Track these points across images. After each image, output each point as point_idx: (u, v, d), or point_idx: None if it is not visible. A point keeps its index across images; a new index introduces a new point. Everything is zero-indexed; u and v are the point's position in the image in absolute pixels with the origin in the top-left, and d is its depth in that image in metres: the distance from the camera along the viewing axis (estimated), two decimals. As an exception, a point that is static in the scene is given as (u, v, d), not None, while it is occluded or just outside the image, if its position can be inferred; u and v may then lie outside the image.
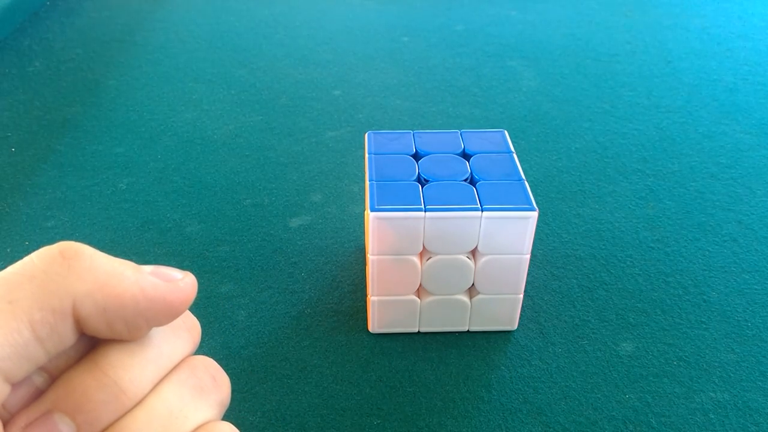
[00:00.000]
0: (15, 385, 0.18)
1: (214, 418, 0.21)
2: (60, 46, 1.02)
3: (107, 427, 0.19)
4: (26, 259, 0.19)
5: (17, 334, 0.18)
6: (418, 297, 0.49)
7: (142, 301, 0.19)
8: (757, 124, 0.80)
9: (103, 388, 0.19)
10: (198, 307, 0.53)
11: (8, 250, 0.60)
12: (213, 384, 0.22)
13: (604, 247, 0.60)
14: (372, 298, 0.49)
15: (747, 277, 0.57)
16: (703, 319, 0.52)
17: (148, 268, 0.20)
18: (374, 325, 0.50)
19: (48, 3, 1.18)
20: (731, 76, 0.93)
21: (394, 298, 0.48)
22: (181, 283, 0.21)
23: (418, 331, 0.51)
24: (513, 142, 0.52)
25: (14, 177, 0.70)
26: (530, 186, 0.47)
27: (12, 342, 0.17)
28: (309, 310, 0.53)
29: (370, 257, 0.46)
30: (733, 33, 1.07)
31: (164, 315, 0.20)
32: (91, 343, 0.21)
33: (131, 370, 0.20)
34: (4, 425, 0.19)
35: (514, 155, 0.50)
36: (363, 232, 0.62)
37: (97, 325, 0.19)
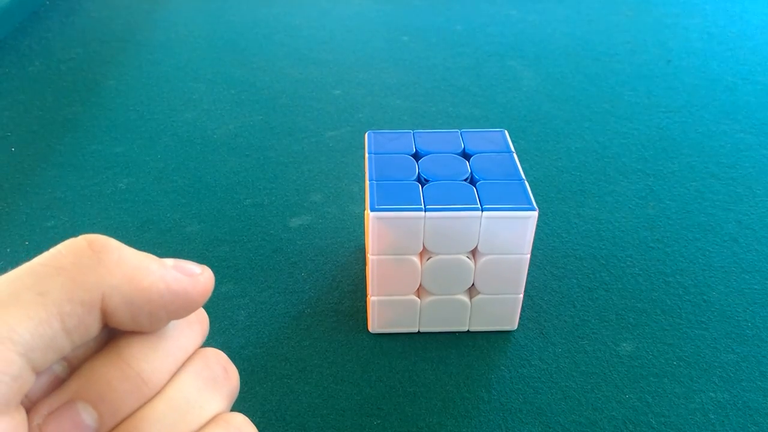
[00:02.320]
0: (37, 374, 0.19)
1: (224, 409, 0.22)
2: (60, 46, 1.02)
3: (127, 417, 0.20)
4: (53, 250, 0.19)
5: (47, 325, 0.18)
6: (418, 297, 0.49)
7: (166, 294, 0.20)
8: (757, 124, 0.80)
9: (126, 378, 0.20)
10: (198, 307, 0.53)
11: (8, 250, 0.60)
12: (224, 376, 0.22)
13: (604, 247, 0.60)
14: (372, 298, 0.49)
15: (747, 277, 0.57)
16: (703, 319, 0.52)
17: (170, 262, 0.21)
18: (374, 325, 0.50)
19: (48, 3, 1.18)
20: (731, 76, 0.93)
21: (394, 298, 0.48)
22: (201, 277, 0.21)
23: (418, 331, 0.51)
24: (513, 142, 0.52)
25: (14, 177, 0.70)
26: (530, 186, 0.47)
27: (42, 333, 0.18)
28: (309, 310, 0.53)
29: (370, 257, 0.46)
30: (733, 33, 1.07)
31: (184, 308, 0.21)
32: (109, 333, 0.21)
33: (153, 361, 0.20)
34: (27, 413, 0.19)
35: (514, 155, 0.50)
36: (363, 232, 0.61)
37: (122, 318, 0.20)
